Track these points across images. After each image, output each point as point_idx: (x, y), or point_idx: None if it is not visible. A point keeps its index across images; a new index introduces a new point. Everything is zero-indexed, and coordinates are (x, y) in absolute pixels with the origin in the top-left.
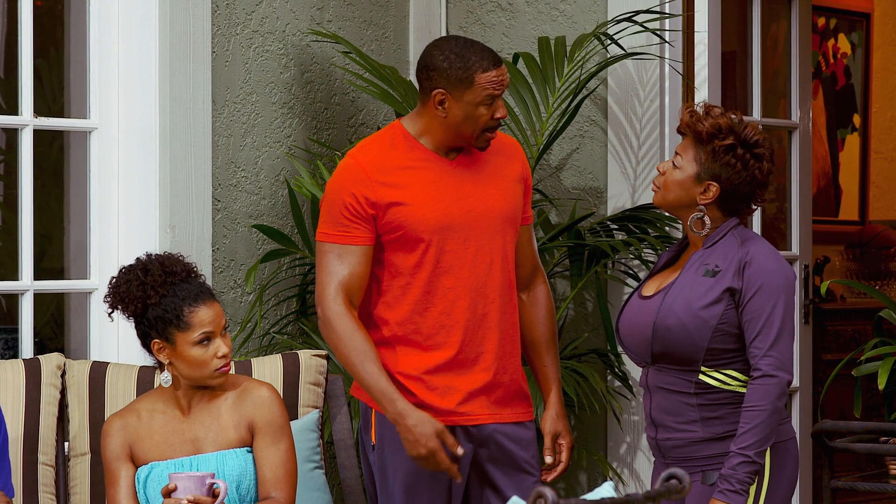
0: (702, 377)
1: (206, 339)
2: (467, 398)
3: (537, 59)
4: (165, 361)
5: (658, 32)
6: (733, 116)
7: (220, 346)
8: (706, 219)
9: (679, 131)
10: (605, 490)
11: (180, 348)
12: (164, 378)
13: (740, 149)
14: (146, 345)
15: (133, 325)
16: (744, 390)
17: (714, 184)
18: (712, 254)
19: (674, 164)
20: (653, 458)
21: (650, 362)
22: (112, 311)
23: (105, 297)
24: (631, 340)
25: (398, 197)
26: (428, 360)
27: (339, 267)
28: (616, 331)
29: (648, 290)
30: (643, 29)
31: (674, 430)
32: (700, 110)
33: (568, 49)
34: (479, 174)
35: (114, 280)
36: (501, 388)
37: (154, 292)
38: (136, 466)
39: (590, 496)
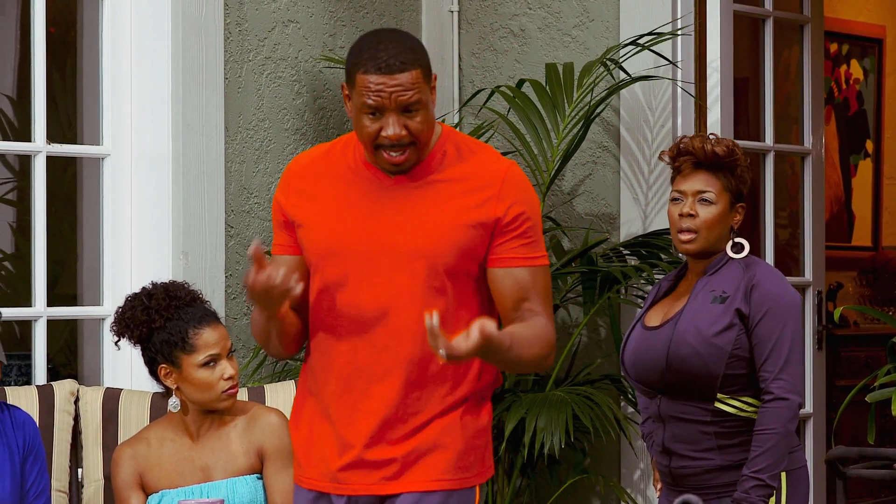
0: (718, 405)
1: (212, 360)
2: (340, 464)
3: (545, 85)
4: (173, 387)
5: (665, 55)
6: (711, 137)
7: (227, 367)
8: (741, 240)
9: (679, 164)
10: None
11: (186, 371)
12: (172, 403)
13: (746, 161)
14: (153, 371)
15: (140, 352)
16: None
17: (742, 204)
18: (717, 280)
19: (701, 201)
20: None
21: (662, 392)
22: (118, 340)
23: (111, 325)
24: (639, 371)
25: (304, 209)
26: (315, 405)
27: None
28: (622, 362)
29: (652, 319)
30: (652, 53)
31: (689, 458)
32: (703, 137)
33: (577, 75)
34: (417, 200)
35: (119, 309)
36: (384, 461)
37: (158, 316)
38: (147, 494)
39: None
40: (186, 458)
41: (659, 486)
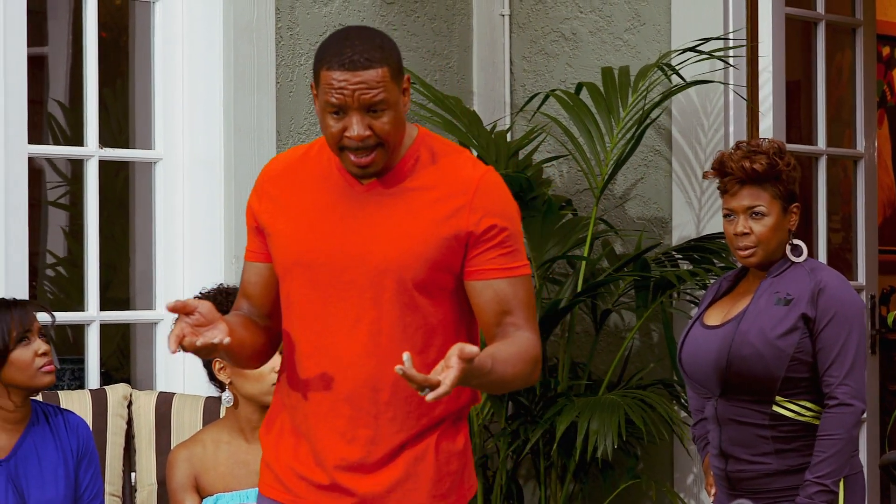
0: (776, 408)
1: None
2: (307, 482)
3: (601, 89)
4: (226, 381)
5: (723, 59)
6: (752, 143)
7: (277, 359)
8: (799, 242)
9: (724, 185)
10: None
11: None
12: (225, 398)
13: (791, 158)
14: (207, 364)
15: None
16: (817, 421)
17: (796, 204)
18: (781, 282)
19: (753, 215)
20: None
21: (719, 393)
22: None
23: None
24: (697, 371)
25: (275, 215)
26: (286, 418)
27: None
28: (679, 361)
29: (712, 319)
30: (707, 57)
31: (746, 461)
32: (742, 152)
33: (632, 79)
34: (387, 209)
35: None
36: (352, 491)
37: None
38: (202, 497)
39: None
40: (242, 461)
41: (713, 491)
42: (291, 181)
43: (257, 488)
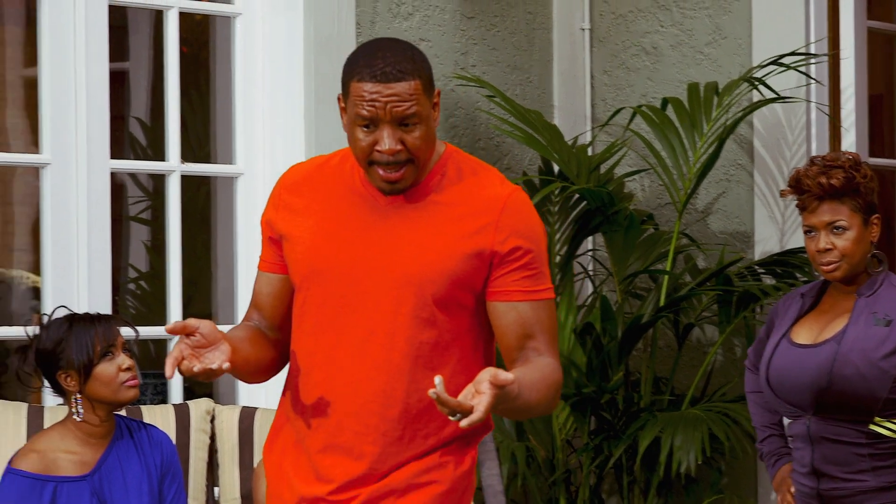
0: (873, 427)
1: None
2: (308, 499)
3: (685, 103)
4: None
5: (806, 73)
6: (827, 157)
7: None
8: (879, 253)
9: (802, 202)
10: None
11: None
12: None
13: (868, 169)
14: None
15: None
16: None
17: (876, 215)
18: (878, 302)
19: (834, 230)
20: None
21: (812, 412)
22: None
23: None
24: (788, 389)
25: (293, 224)
26: (290, 432)
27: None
28: (766, 378)
29: (801, 336)
30: (786, 70)
31: (841, 479)
32: (818, 167)
33: (717, 94)
34: (410, 223)
35: None
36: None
37: None
38: None
39: None
40: None
41: None
42: (310, 190)
43: None
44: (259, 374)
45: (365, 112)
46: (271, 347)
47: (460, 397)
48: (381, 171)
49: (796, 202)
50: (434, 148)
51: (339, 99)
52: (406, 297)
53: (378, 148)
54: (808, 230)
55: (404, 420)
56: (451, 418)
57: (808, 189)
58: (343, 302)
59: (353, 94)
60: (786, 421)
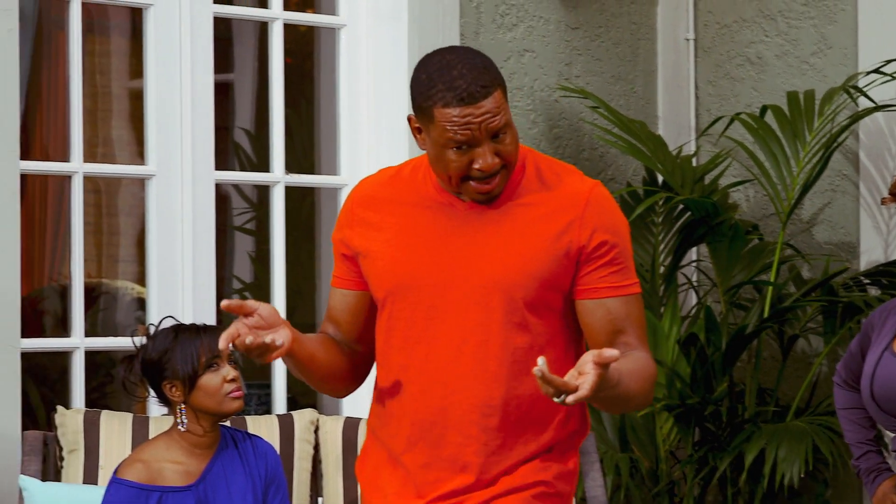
0: None
1: None
2: None
3: (786, 112)
4: None
5: None
6: None
7: None
8: None
9: None
10: None
11: None
12: None
13: None
14: None
15: None
16: None
17: None
18: None
19: None
20: None
21: None
22: None
23: None
24: (893, 402)
25: (370, 239)
26: (382, 450)
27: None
28: (869, 392)
29: None
30: (892, 79)
31: None
32: None
33: (817, 103)
34: (493, 226)
35: None
36: None
37: None
38: None
39: None
40: None
41: None
42: (384, 203)
43: None
44: (329, 380)
45: (460, 136)
46: (344, 357)
47: (567, 377)
48: (475, 185)
49: None
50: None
51: (410, 119)
52: (496, 303)
53: (477, 166)
54: None
55: (505, 427)
56: (555, 400)
57: None
58: (432, 314)
59: (441, 120)
60: (889, 435)
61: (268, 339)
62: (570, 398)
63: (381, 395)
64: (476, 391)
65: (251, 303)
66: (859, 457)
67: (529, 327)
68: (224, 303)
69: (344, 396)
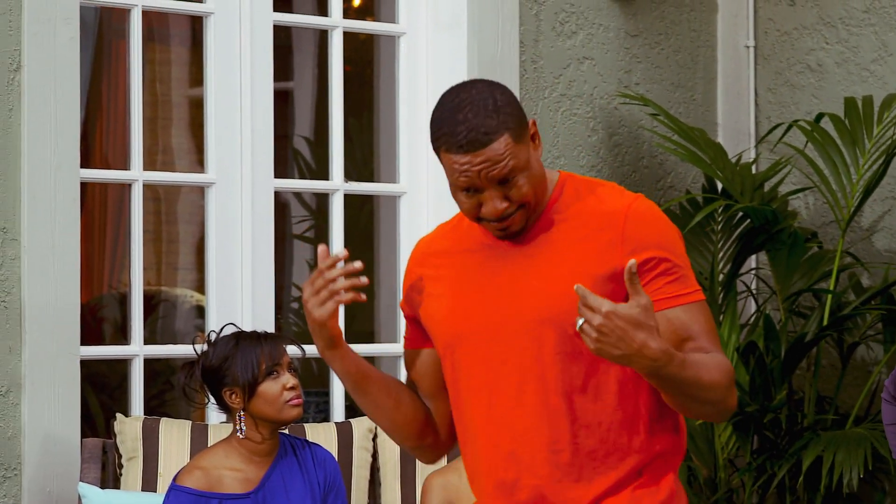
0: None
1: None
2: None
3: (844, 119)
4: None
5: None
6: None
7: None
8: None
9: None
10: None
11: None
12: None
13: None
14: None
15: None
16: None
17: None
18: None
19: None
20: None
21: None
22: None
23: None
24: None
25: (427, 295)
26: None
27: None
28: None
29: None
30: None
31: None
32: None
33: (876, 109)
34: (534, 258)
35: None
36: None
37: None
38: None
39: None
40: None
41: None
42: (439, 256)
43: None
44: (410, 427)
45: (462, 182)
46: (421, 409)
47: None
48: (492, 224)
49: None
50: (545, 182)
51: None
52: (546, 336)
53: (483, 211)
54: None
55: (577, 461)
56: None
57: None
58: (488, 357)
59: (445, 163)
60: None
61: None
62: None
63: (463, 452)
64: (541, 430)
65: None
66: None
67: (583, 353)
68: (321, 249)
69: (431, 459)
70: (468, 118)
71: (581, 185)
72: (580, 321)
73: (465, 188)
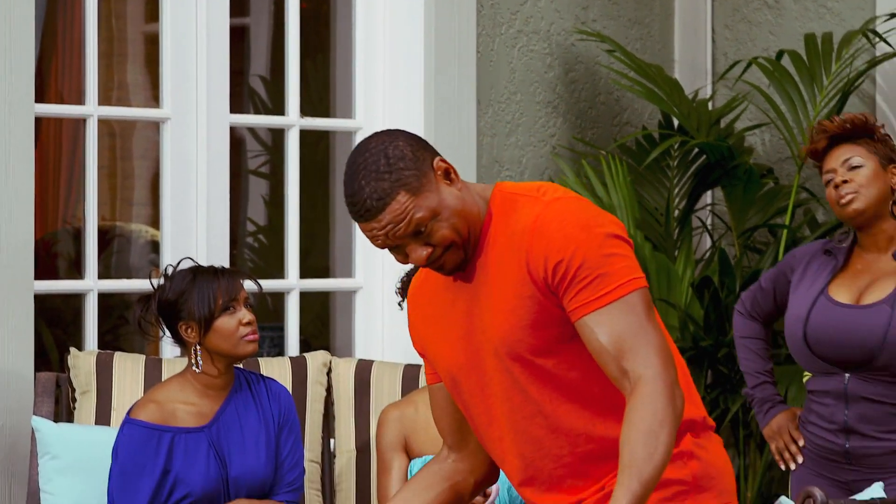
0: None
1: None
2: None
3: (803, 56)
4: None
5: None
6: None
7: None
8: None
9: (817, 146)
10: (875, 490)
11: None
12: None
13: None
14: None
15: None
16: None
17: (894, 165)
18: None
19: (850, 169)
20: None
21: (851, 371)
22: (402, 300)
23: (397, 288)
24: (829, 347)
25: (422, 334)
26: None
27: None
28: (802, 336)
29: (840, 295)
30: None
31: (875, 438)
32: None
33: (835, 46)
34: (478, 288)
35: (406, 273)
36: None
37: None
38: (410, 458)
39: (860, 496)
40: None
41: (800, 460)
42: (425, 296)
43: None
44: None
45: (378, 244)
46: (448, 479)
47: None
48: (436, 271)
49: (815, 157)
50: (471, 214)
51: None
52: (510, 364)
53: (410, 263)
54: (828, 179)
55: (584, 467)
56: None
57: (822, 129)
58: (476, 391)
59: (362, 230)
60: (817, 379)
61: None
62: None
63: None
64: (545, 449)
65: None
66: (755, 386)
67: (552, 371)
68: None
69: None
70: (362, 186)
71: (507, 201)
72: None
73: (383, 247)
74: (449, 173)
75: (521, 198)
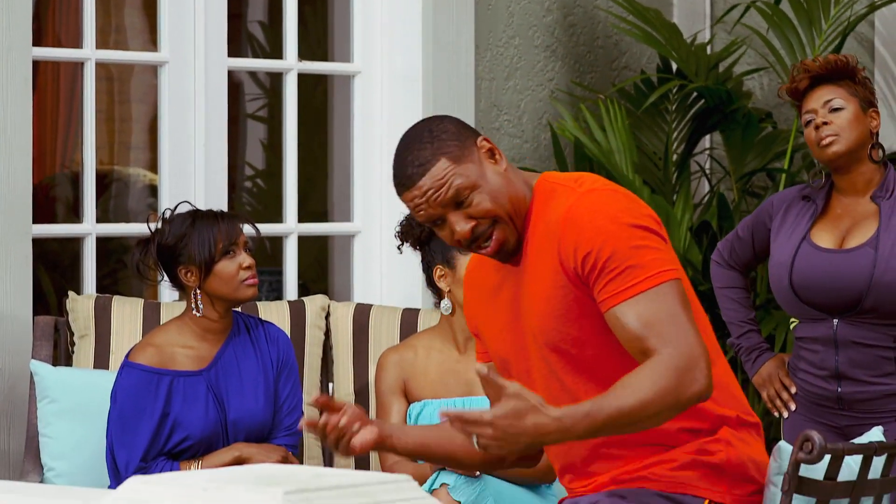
0: None
1: None
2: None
3: (802, 0)
4: (446, 289)
5: None
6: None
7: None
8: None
9: (797, 85)
10: (875, 434)
11: (460, 272)
12: (444, 306)
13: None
14: (429, 275)
15: (420, 257)
16: None
17: (874, 109)
18: None
19: (831, 111)
20: None
21: (840, 316)
22: (401, 244)
23: (396, 231)
24: (818, 293)
25: (476, 317)
26: None
27: None
28: (788, 281)
29: (823, 240)
30: None
31: (866, 383)
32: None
33: None
34: (526, 276)
35: (405, 217)
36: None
37: None
38: (409, 402)
39: (859, 440)
40: (452, 369)
41: (793, 408)
42: (478, 278)
43: (465, 397)
44: (456, 459)
45: (421, 216)
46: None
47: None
48: (479, 250)
49: (794, 96)
50: (514, 190)
51: None
52: (547, 354)
53: (457, 238)
54: (808, 119)
55: (618, 452)
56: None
57: (804, 68)
58: (522, 377)
59: (407, 206)
60: (805, 325)
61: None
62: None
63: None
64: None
65: (339, 402)
66: (740, 335)
67: (587, 360)
68: (312, 397)
69: (531, 465)
70: (404, 156)
71: (547, 190)
72: (474, 438)
73: (427, 221)
74: (493, 153)
75: (560, 187)
